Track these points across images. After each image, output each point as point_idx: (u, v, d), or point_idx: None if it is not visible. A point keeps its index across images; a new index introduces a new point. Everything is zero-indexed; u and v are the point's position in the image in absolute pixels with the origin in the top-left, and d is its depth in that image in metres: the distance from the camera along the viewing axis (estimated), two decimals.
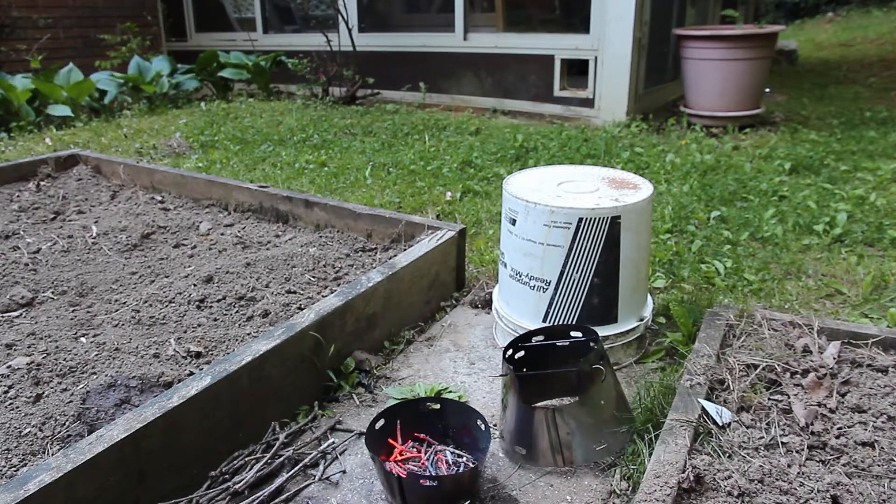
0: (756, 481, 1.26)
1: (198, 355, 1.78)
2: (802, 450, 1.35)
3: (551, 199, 1.79)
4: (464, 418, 1.52)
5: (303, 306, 2.01)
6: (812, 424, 1.41)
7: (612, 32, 4.95)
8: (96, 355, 1.75)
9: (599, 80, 5.12)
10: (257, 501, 1.37)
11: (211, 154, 4.31)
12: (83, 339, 1.85)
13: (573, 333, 1.63)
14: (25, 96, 5.43)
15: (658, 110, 5.50)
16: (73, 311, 2.05)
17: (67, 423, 1.50)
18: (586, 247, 1.76)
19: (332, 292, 2.03)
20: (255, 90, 6.97)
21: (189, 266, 2.37)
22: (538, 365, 1.63)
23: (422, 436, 1.54)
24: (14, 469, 1.39)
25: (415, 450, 1.52)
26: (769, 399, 1.51)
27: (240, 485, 1.40)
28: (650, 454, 1.36)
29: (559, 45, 5.33)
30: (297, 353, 1.66)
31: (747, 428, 1.42)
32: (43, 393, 1.61)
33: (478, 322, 2.18)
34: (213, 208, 3.04)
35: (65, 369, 1.69)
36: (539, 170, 2.12)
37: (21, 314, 2.06)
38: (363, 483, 1.46)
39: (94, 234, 2.70)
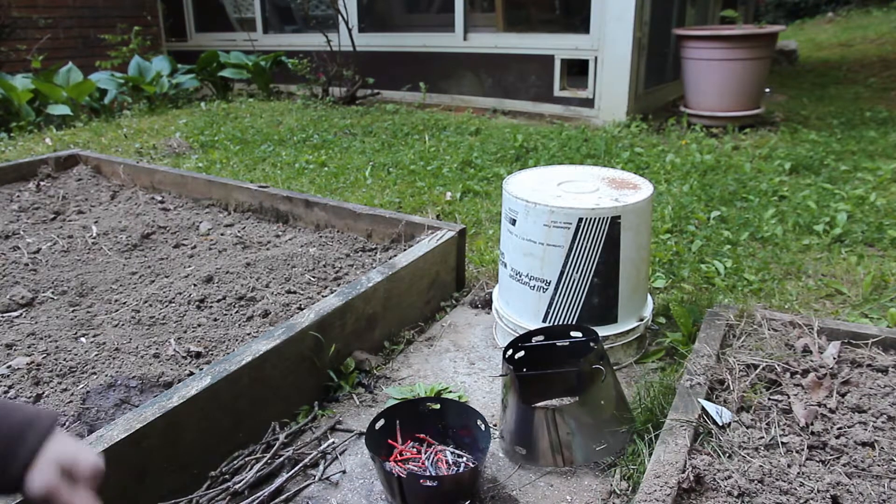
0: (756, 481, 1.26)
1: (198, 355, 1.78)
2: (802, 450, 1.35)
3: (551, 199, 1.79)
4: (464, 418, 1.52)
5: (303, 306, 2.01)
6: (812, 424, 1.41)
7: (612, 32, 4.95)
8: (96, 355, 1.75)
9: (599, 80, 5.12)
10: (257, 501, 1.37)
11: (211, 154, 4.31)
12: (83, 339, 1.85)
13: (573, 333, 1.63)
14: (26, 96, 5.43)
15: (658, 110, 5.50)
16: (73, 311, 2.05)
17: (67, 423, 1.50)
18: (586, 247, 1.76)
19: (332, 292, 2.03)
20: (255, 90, 6.97)
21: (189, 266, 2.37)
22: (538, 365, 1.63)
23: (422, 436, 1.54)
24: None
25: (415, 450, 1.52)
26: (769, 399, 1.51)
27: (240, 485, 1.40)
28: (650, 454, 1.36)
29: (559, 45, 5.33)
30: (297, 353, 1.66)
31: (747, 428, 1.42)
32: (43, 393, 1.61)
33: (478, 322, 2.18)
34: (213, 208, 3.04)
35: (65, 369, 1.69)
36: (539, 170, 2.12)
37: (21, 314, 2.06)
38: (363, 483, 1.46)
39: (94, 234, 2.70)
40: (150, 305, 2.05)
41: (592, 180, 1.97)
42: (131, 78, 6.18)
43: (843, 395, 1.51)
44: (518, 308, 1.93)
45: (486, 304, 2.26)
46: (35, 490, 0.76)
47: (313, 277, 2.22)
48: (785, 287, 2.32)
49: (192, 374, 1.68)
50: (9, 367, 1.70)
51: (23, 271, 2.34)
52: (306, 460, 1.50)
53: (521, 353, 1.64)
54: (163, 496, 1.35)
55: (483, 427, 1.46)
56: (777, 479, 1.27)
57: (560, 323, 1.84)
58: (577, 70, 5.36)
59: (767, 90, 5.71)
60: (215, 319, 1.96)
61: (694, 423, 1.39)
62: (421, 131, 4.89)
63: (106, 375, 1.64)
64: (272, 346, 1.57)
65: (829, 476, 1.27)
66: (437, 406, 1.55)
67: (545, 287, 1.83)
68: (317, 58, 6.26)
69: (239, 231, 2.72)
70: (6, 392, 1.61)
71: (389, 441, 1.51)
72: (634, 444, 1.49)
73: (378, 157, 4.18)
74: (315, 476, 1.47)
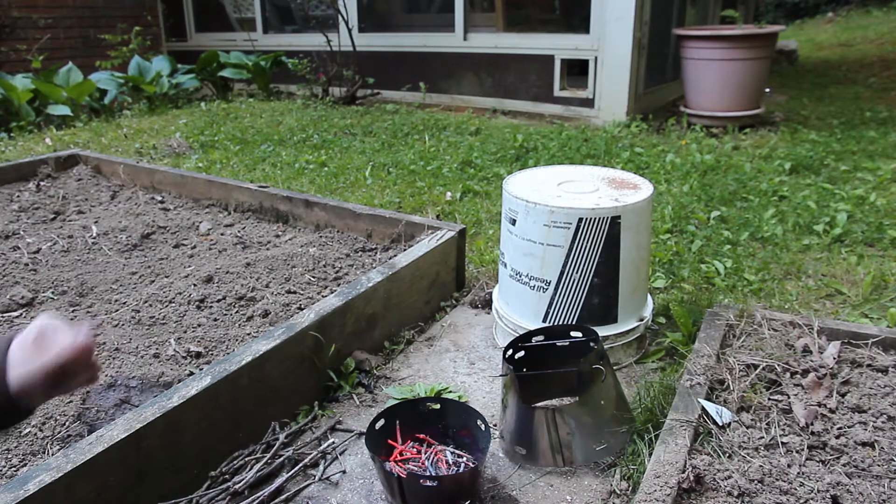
0: (756, 481, 1.26)
1: (198, 355, 1.78)
2: (802, 450, 1.35)
3: (551, 199, 1.79)
4: (464, 418, 1.52)
5: (303, 306, 2.01)
6: (812, 424, 1.41)
7: (612, 32, 4.95)
8: (96, 355, 1.75)
9: (599, 80, 5.12)
10: (257, 501, 1.37)
11: (211, 154, 4.31)
12: None
13: (573, 333, 1.63)
14: (26, 96, 5.43)
15: (658, 110, 5.50)
16: (73, 311, 2.05)
17: (67, 423, 1.50)
18: (586, 247, 1.76)
19: (332, 292, 2.03)
20: (255, 90, 6.97)
21: (189, 266, 2.37)
22: (538, 365, 1.63)
23: (422, 436, 1.54)
24: (14, 469, 1.39)
25: (415, 450, 1.52)
26: (769, 399, 1.51)
27: (240, 485, 1.40)
28: (650, 454, 1.36)
29: (559, 45, 5.33)
30: (297, 353, 1.66)
31: (747, 428, 1.42)
32: None
33: (478, 322, 2.18)
34: (213, 208, 3.04)
35: None
36: (539, 170, 2.12)
37: (21, 314, 2.06)
38: (363, 483, 1.46)
39: (94, 234, 2.70)
40: (150, 305, 2.05)
41: (592, 180, 1.97)
42: (131, 78, 6.18)
43: (843, 395, 1.51)
44: (518, 308, 1.93)
45: (486, 304, 2.26)
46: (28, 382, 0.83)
47: (313, 277, 2.22)
48: (785, 287, 2.32)
49: (192, 374, 1.68)
50: None
51: (23, 271, 2.34)
52: (306, 460, 1.50)
53: (521, 353, 1.64)
54: (163, 496, 1.35)
55: (483, 427, 1.46)
56: (777, 479, 1.27)
57: (560, 323, 1.84)
58: (577, 70, 5.36)
59: (767, 90, 5.71)
60: (215, 319, 1.96)
61: (694, 423, 1.39)
62: (421, 131, 4.89)
63: (106, 375, 1.64)
64: (272, 346, 1.57)
65: (829, 476, 1.27)
66: (437, 406, 1.55)
67: (545, 287, 1.83)
68: (317, 58, 6.26)
69: (239, 231, 2.72)
70: None
71: (389, 441, 1.51)
72: (634, 444, 1.49)
73: (378, 157, 4.18)
74: (315, 476, 1.47)
